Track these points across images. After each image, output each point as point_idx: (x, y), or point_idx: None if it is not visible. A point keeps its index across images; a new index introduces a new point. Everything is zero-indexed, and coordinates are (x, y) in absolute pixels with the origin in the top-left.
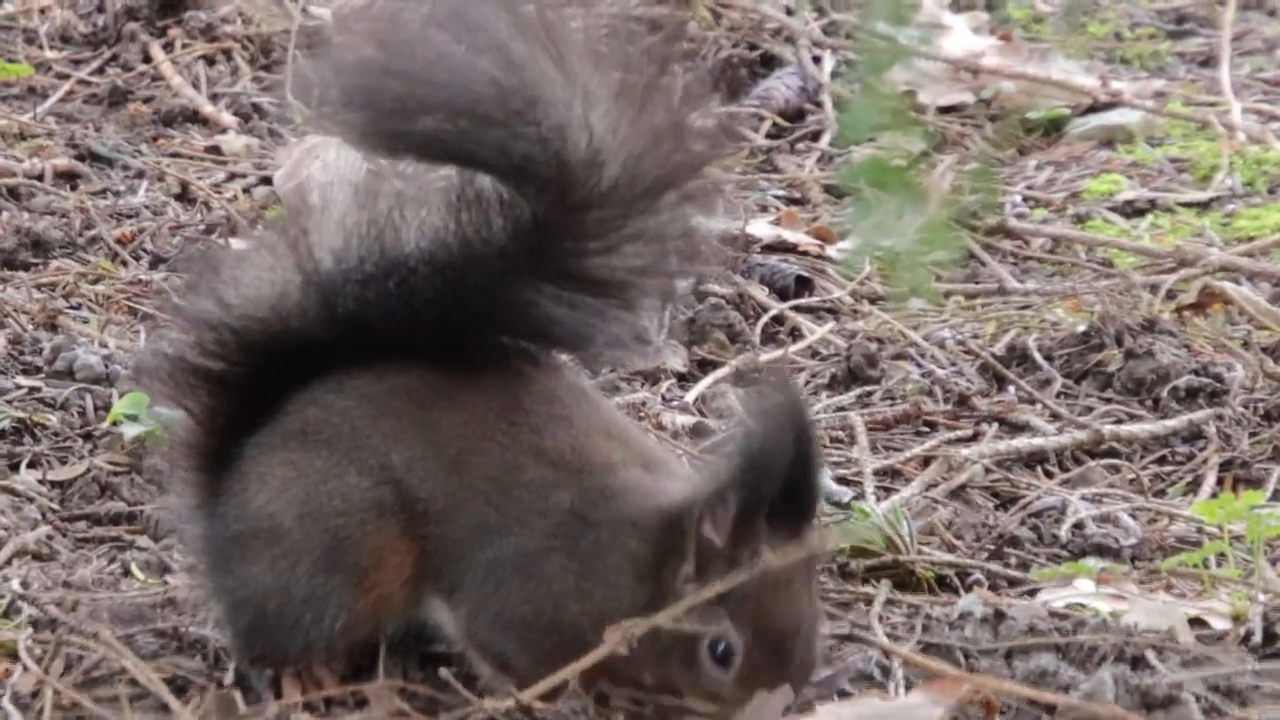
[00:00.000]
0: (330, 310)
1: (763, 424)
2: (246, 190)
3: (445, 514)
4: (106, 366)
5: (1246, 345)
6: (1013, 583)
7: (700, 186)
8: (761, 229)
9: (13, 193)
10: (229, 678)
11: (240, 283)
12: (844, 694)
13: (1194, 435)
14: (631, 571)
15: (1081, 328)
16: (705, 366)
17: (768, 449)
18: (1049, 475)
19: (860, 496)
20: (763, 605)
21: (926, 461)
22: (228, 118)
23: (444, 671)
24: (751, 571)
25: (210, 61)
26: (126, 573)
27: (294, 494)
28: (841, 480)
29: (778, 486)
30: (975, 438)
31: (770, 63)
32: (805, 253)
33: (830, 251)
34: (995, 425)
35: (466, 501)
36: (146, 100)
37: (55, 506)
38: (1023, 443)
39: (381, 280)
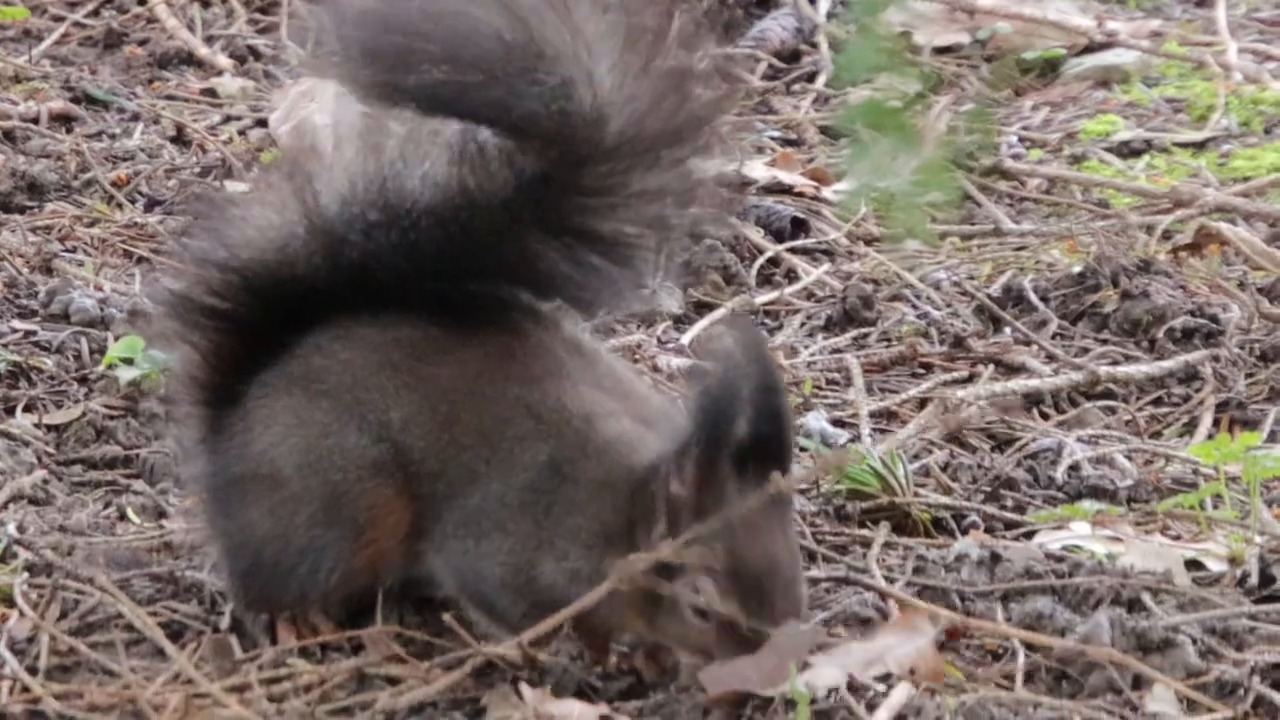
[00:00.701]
0: (334, 258)
1: (717, 371)
2: (242, 133)
3: (438, 472)
4: (102, 310)
5: (1242, 286)
6: (1009, 525)
7: (702, 142)
8: (757, 170)
9: (8, 135)
10: (225, 623)
11: (245, 224)
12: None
13: (1190, 376)
14: (603, 534)
15: (1077, 268)
16: (701, 308)
17: (721, 394)
18: (1045, 417)
19: (856, 438)
20: (733, 547)
21: (923, 403)
22: (223, 60)
23: (447, 617)
24: (718, 518)
25: (205, 4)
26: (122, 517)
27: (295, 443)
28: (837, 422)
29: (733, 430)
30: (971, 379)
31: (765, 3)
32: (801, 194)
33: (826, 193)
34: (991, 367)
35: (456, 455)
36: (142, 43)
37: (51, 450)
38: (1019, 384)
39: (385, 230)
